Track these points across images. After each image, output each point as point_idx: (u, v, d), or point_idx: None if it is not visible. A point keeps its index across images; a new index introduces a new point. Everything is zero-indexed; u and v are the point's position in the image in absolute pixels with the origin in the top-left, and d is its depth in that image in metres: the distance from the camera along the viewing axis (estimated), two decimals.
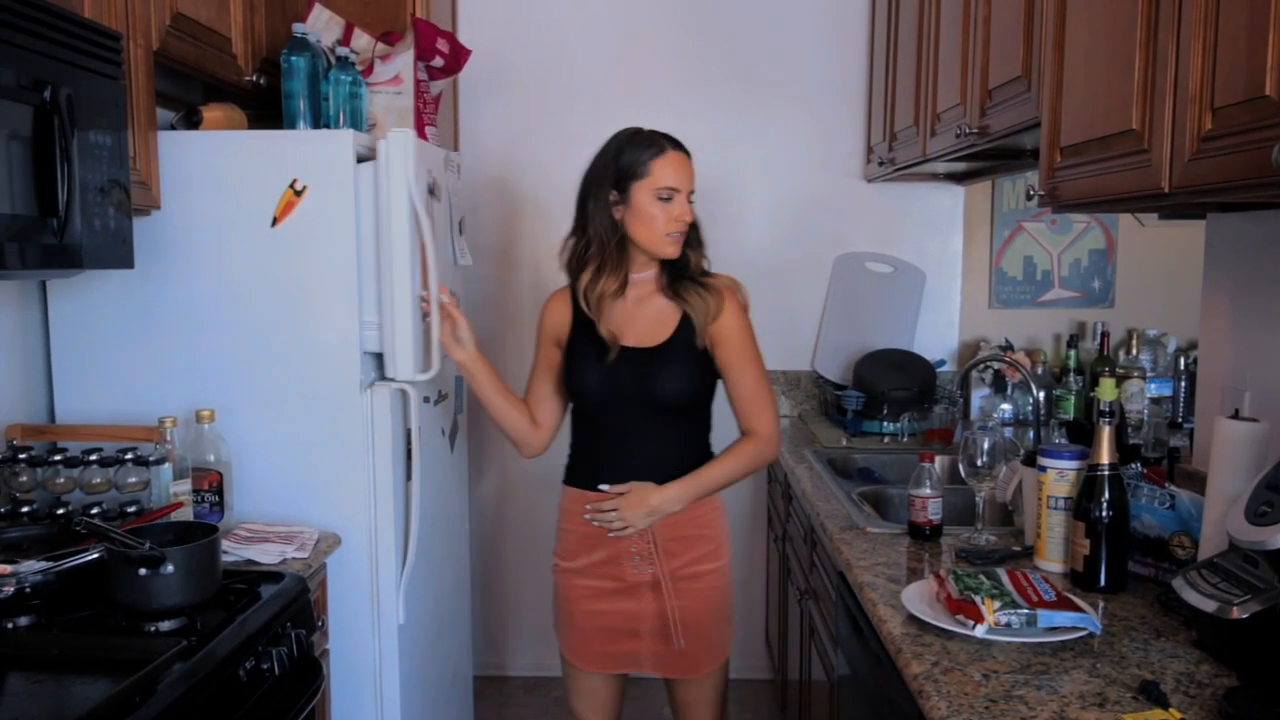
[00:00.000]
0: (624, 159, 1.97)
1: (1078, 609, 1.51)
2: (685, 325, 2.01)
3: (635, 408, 2.01)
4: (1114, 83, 1.53)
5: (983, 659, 1.44)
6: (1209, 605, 1.38)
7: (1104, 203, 1.64)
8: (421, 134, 2.63)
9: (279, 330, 2.15)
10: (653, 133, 2.01)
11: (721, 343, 2.02)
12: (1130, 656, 1.44)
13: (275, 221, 2.13)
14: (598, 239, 1.99)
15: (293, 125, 2.27)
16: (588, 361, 2.03)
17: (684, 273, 2.04)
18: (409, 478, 2.28)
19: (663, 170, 1.95)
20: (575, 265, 2.05)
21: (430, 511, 2.43)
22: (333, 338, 2.15)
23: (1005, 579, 1.60)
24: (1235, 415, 1.60)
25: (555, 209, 3.47)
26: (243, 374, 2.16)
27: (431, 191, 2.34)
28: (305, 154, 2.13)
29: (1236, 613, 1.33)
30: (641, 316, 2.04)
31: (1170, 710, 1.25)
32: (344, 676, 2.18)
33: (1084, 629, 1.49)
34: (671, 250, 1.99)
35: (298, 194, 2.11)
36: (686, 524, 2.05)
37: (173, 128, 2.24)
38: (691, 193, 2.00)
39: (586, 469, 2.09)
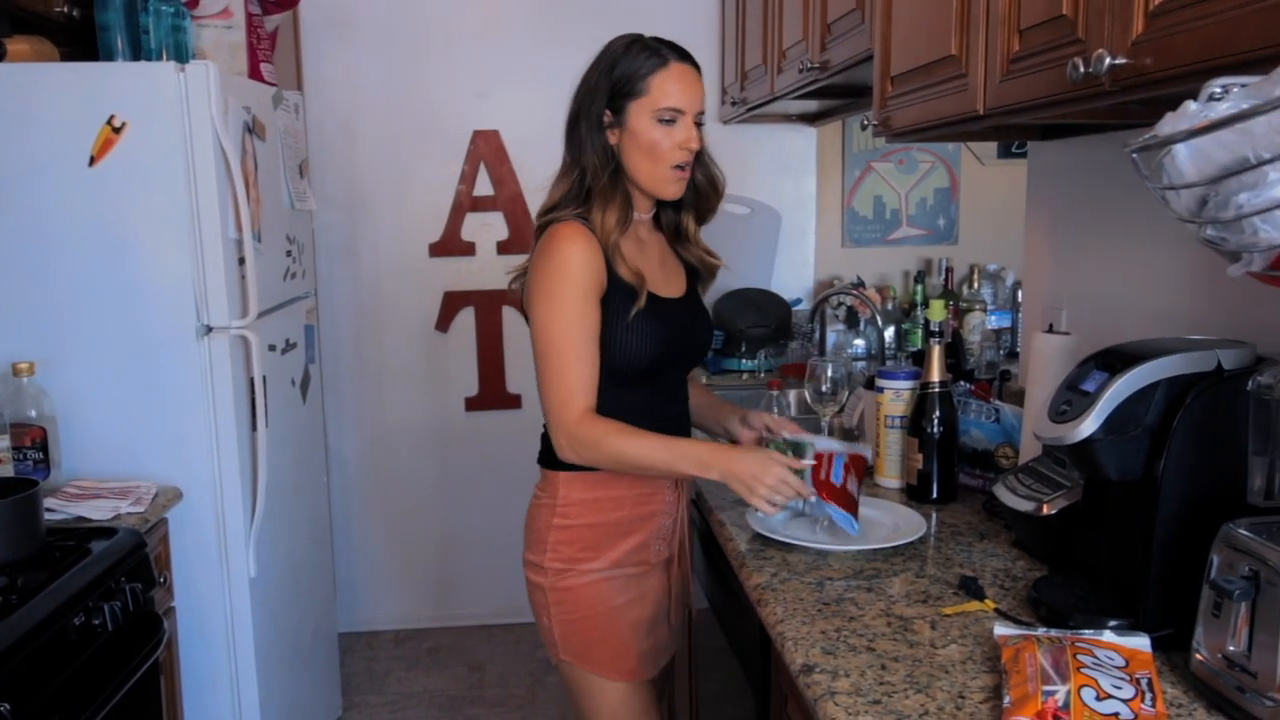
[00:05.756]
0: (619, 72, 1.63)
1: (850, 509, 1.56)
2: (692, 276, 1.81)
3: (680, 367, 1.75)
4: (935, 11, 1.58)
5: (819, 568, 1.49)
6: (1025, 505, 1.47)
7: (931, 128, 1.69)
8: (256, 72, 2.51)
9: (103, 277, 2.04)
10: (655, 40, 1.66)
11: None
12: (955, 558, 1.52)
13: (93, 161, 2.00)
14: (591, 171, 1.63)
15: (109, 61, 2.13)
16: (638, 316, 1.63)
17: (686, 235, 1.78)
18: (254, 428, 2.21)
19: (664, 87, 1.61)
20: (576, 205, 1.64)
21: (281, 463, 2.36)
22: (163, 283, 2.05)
23: (810, 455, 1.57)
24: (1050, 330, 1.69)
25: (405, 155, 3.41)
26: (65, 324, 2.04)
27: (251, 129, 2.24)
28: (122, 88, 2.01)
29: (1046, 509, 1.42)
30: (653, 262, 1.73)
31: (985, 601, 1.33)
32: (194, 633, 2.12)
33: (847, 529, 1.55)
34: (674, 189, 1.66)
35: (116, 131, 1.99)
36: None
37: None
38: (700, 114, 1.66)
39: None
